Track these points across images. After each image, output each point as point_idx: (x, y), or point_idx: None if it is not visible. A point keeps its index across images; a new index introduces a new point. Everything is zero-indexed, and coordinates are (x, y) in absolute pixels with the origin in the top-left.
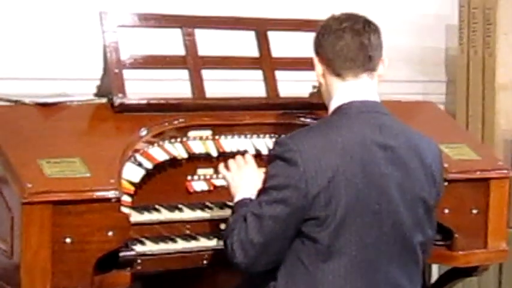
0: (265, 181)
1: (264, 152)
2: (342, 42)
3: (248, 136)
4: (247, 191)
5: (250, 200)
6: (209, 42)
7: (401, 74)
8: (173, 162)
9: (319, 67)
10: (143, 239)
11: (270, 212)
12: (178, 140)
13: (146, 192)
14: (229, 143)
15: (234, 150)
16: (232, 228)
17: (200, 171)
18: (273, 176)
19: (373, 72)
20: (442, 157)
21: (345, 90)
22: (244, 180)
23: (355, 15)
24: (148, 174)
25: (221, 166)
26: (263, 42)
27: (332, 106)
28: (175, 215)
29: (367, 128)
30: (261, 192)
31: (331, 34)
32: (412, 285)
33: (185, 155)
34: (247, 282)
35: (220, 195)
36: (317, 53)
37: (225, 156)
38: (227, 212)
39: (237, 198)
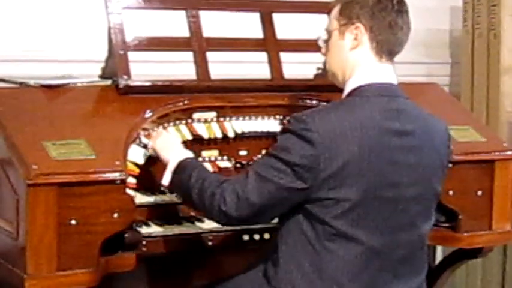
0: (274, 149)
1: (269, 133)
2: (398, 27)
3: (253, 118)
4: (180, 150)
5: (197, 160)
6: (214, 24)
7: (406, 55)
8: None
9: (361, 36)
10: (148, 221)
11: (275, 179)
12: (183, 121)
13: (151, 174)
14: (234, 124)
15: (239, 132)
16: (217, 179)
17: (205, 153)
18: (286, 149)
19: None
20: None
21: (372, 71)
22: (168, 141)
23: None
24: (153, 156)
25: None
26: (268, 24)
27: (350, 85)
28: None
29: (384, 114)
30: (269, 155)
31: (392, 14)
32: (417, 275)
33: (190, 137)
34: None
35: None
36: (362, 22)
37: (228, 138)
38: None
39: (177, 158)
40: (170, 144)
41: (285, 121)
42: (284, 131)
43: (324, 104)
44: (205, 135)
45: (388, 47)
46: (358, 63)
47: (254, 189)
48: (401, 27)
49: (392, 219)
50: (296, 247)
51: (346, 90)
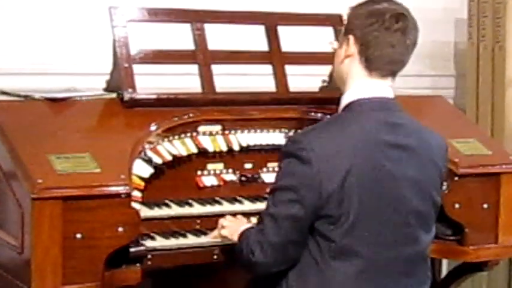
0: (278, 178)
1: (274, 146)
2: (391, 49)
3: (258, 131)
4: (245, 226)
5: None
6: (219, 37)
7: (411, 68)
8: (183, 157)
9: (352, 48)
10: (153, 235)
11: (285, 211)
12: (188, 135)
13: (156, 187)
14: (239, 137)
15: (244, 145)
16: (246, 235)
17: (210, 166)
18: (287, 174)
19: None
20: (451, 153)
21: (364, 86)
22: (240, 222)
23: (406, 11)
24: (158, 170)
25: (221, 219)
26: (273, 37)
27: (345, 99)
28: (186, 210)
29: (379, 128)
30: (274, 190)
31: (381, 30)
32: (420, 286)
33: (195, 150)
34: (259, 278)
35: (230, 190)
36: (355, 35)
37: (233, 151)
38: (237, 207)
39: (239, 232)
40: (237, 225)
41: (290, 134)
42: (283, 154)
43: (327, 116)
44: (211, 148)
45: (377, 63)
46: (351, 75)
47: (272, 231)
48: (392, 45)
49: (394, 233)
50: (301, 266)
51: (342, 104)
